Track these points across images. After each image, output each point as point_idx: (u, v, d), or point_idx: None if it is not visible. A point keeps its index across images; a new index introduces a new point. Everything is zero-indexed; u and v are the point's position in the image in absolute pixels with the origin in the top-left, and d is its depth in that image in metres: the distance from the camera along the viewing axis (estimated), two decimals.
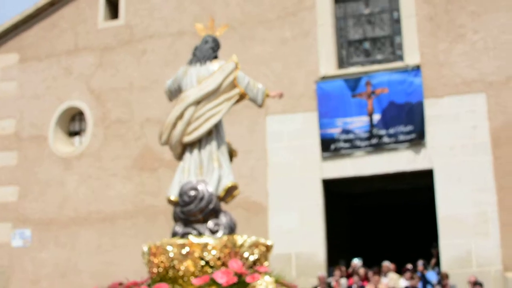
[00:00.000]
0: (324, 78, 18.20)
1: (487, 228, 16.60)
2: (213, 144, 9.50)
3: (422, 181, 18.23)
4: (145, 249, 9.06)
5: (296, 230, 17.79)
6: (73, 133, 21.24)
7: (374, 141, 17.55)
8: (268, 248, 9.09)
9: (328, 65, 18.34)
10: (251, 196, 18.19)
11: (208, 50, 9.92)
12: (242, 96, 9.72)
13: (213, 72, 9.61)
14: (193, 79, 9.72)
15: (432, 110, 17.40)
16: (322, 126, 17.95)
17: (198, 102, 9.45)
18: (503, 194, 16.73)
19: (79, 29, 21.11)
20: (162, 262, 8.70)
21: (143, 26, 20.38)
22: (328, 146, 17.82)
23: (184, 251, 8.57)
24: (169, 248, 8.65)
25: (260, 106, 10.09)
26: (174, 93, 10.07)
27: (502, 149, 16.93)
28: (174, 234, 9.12)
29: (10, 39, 21.91)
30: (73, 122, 21.24)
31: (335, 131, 17.81)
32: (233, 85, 9.58)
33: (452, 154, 17.13)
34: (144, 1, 20.51)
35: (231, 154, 9.99)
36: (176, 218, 9.22)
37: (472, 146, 17.07)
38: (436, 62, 17.63)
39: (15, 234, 20.60)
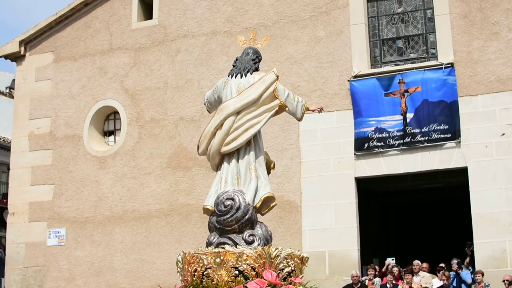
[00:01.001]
0: (357, 77, 18.19)
1: None
2: (251, 155, 9.40)
3: (456, 180, 18.19)
4: (179, 257, 9.04)
5: (330, 229, 17.81)
6: (107, 133, 21.43)
7: (407, 139, 17.50)
8: (303, 260, 9.05)
9: (361, 63, 18.33)
10: (285, 195, 18.24)
11: (249, 62, 9.84)
12: (281, 108, 9.59)
13: (254, 83, 9.50)
14: (233, 90, 9.64)
15: (466, 108, 17.31)
16: (355, 124, 17.94)
17: (237, 113, 9.36)
18: None
19: (113, 29, 21.29)
20: (196, 270, 8.66)
21: (177, 25, 20.50)
22: (362, 144, 17.82)
23: (218, 260, 8.52)
24: (203, 256, 8.61)
25: (300, 119, 9.97)
26: (214, 104, 10.04)
27: None
28: (209, 244, 9.06)
29: (45, 40, 22.18)
30: (107, 122, 21.44)
31: (368, 129, 17.80)
32: (273, 96, 9.44)
33: (487, 152, 17.03)
34: (177, 1, 20.64)
35: (269, 165, 9.95)
36: (212, 228, 9.18)
37: (506, 144, 16.95)
38: (470, 60, 17.55)
39: (51, 232, 20.84)
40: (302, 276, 8.91)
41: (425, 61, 18.16)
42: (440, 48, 17.94)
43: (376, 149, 17.73)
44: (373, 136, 17.73)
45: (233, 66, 9.97)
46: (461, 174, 17.41)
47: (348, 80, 18.25)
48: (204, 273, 8.58)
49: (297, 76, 18.73)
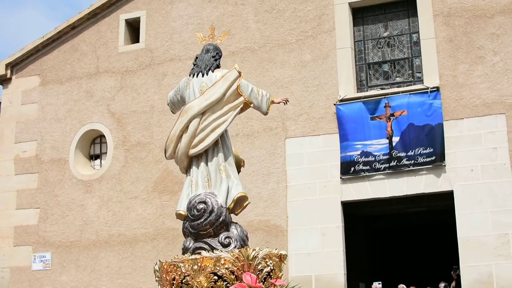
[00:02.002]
0: (343, 100, 18.21)
1: (508, 250, 16.46)
2: (220, 155, 9.29)
3: (442, 203, 18.17)
4: (156, 266, 8.92)
5: (316, 253, 17.74)
6: (93, 156, 21.35)
7: (393, 163, 17.50)
8: (282, 258, 8.93)
9: (347, 87, 18.36)
10: (271, 219, 18.19)
11: (210, 59, 9.68)
12: (247, 105, 9.49)
13: (216, 82, 9.39)
14: (196, 89, 9.48)
15: (452, 132, 17.34)
16: (341, 148, 17.94)
17: (202, 113, 9.22)
18: None
19: (100, 53, 21.28)
20: (174, 279, 8.55)
21: (163, 49, 20.51)
22: (348, 168, 17.80)
23: (196, 267, 8.40)
24: (181, 264, 8.49)
25: (266, 113, 9.83)
26: (177, 105, 9.87)
27: None
28: (185, 250, 8.94)
29: (31, 63, 22.15)
30: (93, 145, 21.36)
31: (354, 153, 17.79)
32: (237, 94, 9.36)
33: (472, 176, 17.04)
34: (164, 24, 20.66)
35: (239, 164, 9.81)
36: (186, 233, 9.03)
37: (492, 168, 16.96)
38: (456, 84, 17.60)
39: (36, 257, 20.69)
40: (282, 274, 8.83)
41: (411, 85, 18.22)
42: (425, 72, 18.00)
43: (362, 173, 17.71)
44: (359, 160, 17.72)
45: (194, 64, 9.77)
46: (447, 198, 17.40)
47: (334, 104, 18.26)
48: (183, 281, 8.47)
49: None
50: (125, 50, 21.05)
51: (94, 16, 21.53)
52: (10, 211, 21.27)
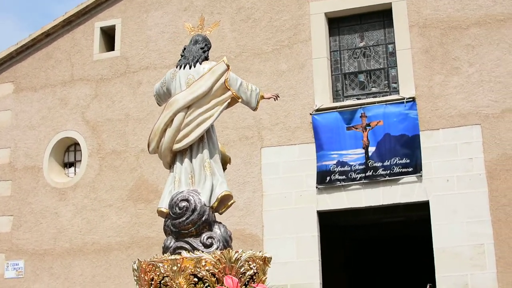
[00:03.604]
0: (319, 110, 18.24)
1: (484, 260, 16.54)
2: (205, 152, 9.04)
3: (418, 214, 18.22)
4: (135, 265, 8.68)
5: (292, 262, 17.72)
6: (68, 164, 21.20)
7: (369, 173, 17.54)
8: (266, 261, 8.68)
9: (323, 97, 18.38)
10: (247, 228, 18.17)
11: (198, 51, 9.44)
12: (234, 99, 9.27)
13: (203, 74, 9.13)
14: (182, 82, 9.23)
15: (428, 142, 17.42)
16: (317, 158, 17.94)
17: (188, 107, 8.99)
18: (499, 227, 16.71)
19: (74, 60, 21.14)
20: (153, 279, 8.31)
21: (139, 57, 20.44)
22: (324, 178, 17.81)
23: (175, 268, 8.15)
24: (160, 264, 8.24)
25: (255, 109, 9.64)
26: (163, 97, 9.63)
27: (498, 181, 16.93)
28: (165, 249, 8.69)
29: (5, 70, 21.93)
30: (68, 153, 21.20)
31: (330, 163, 17.81)
32: (224, 87, 9.14)
33: (448, 186, 17.12)
34: (139, 33, 20.58)
35: (225, 160, 9.61)
36: (167, 232, 8.77)
37: (468, 178, 17.05)
38: (432, 94, 17.70)
39: (8, 265, 20.48)
40: (266, 278, 8.59)
41: (387, 95, 18.28)
42: (401, 83, 18.07)
43: (338, 182, 17.72)
44: (335, 169, 17.74)
45: (181, 56, 9.52)
46: (422, 208, 17.45)
47: (310, 114, 18.28)
48: (162, 281, 8.23)
49: (259, 109, 18.28)
50: (100, 58, 20.94)
51: (69, 24, 21.39)
52: None
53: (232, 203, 9.15)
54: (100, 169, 20.14)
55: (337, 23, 19.14)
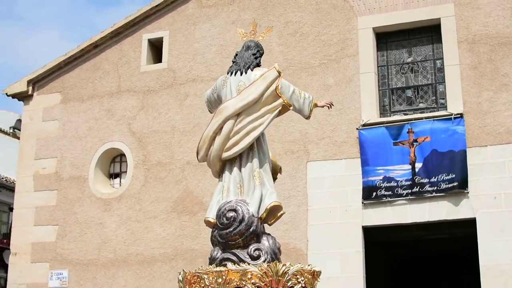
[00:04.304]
0: (366, 125, 18.15)
1: None
2: (255, 161, 8.82)
3: (462, 231, 18.03)
4: (180, 276, 8.52)
5: (336, 277, 17.59)
6: (113, 175, 21.32)
7: (416, 189, 17.40)
8: (315, 275, 8.45)
9: (370, 112, 18.31)
10: (291, 242, 18.10)
11: (250, 57, 9.22)
12: (285, 107, 9.02)
13: (254, 81, 8.91)
14: (233, 89, 9.03)
15: (475, 159, 17.25)
16: (363, 173, 17.85)
17: (237, 114, 8.79)
18: None
19: (122, 71, 21.31)
20: None
21: (186, 70, 20.52)
22: (370, 193, 17.71)
23: (220, 280, 7.97)
24: (205, 276, 8.08)
25: (308, 117, 9.34)
26: (214, 104, 9.46)
27: None
28: (212, 260, 8.54)
29: (53, 80, 22.17)
30: (113, 164, 21.34)
31: (376, 178, 17.70)
32: (275, 95, 8.90)
33: (496, 204, 16.93)
34: (187, 45, 20.68)
35: (276, 170, 9.41)
36: (214, 242, 8.63)
37: None
38: (480, 111, 17.53)
39: (53, 274, 20.63)
40: None
41: (434, 111, 18.15)
42: (449, 99, 17.92)
43: (384, 198, 17.61)
44: (381, 185, 17.63)
45: (233, 62, 9.33)
46: (468, 225, 17.28)
47: (357, 129, 18.21)
48: None
49: (306, 123, 18.64)
50: (147, 69, 21.07)
51: (117, 35, 21.57)
52: (28, 227, 21.24)
53: (282, 214, 8.97)
54: (145, 181, 20.23)
55: (385, 38, 19.07)
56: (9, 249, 22.39)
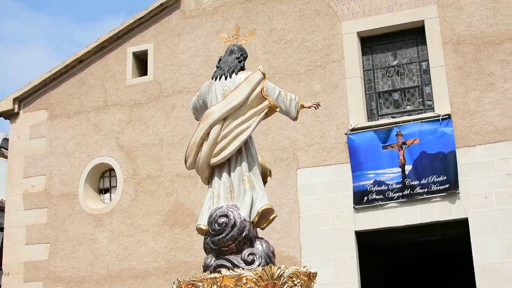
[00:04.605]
0: (354, 130, 18.15)
1: None
2: (244, 165, 8.80)
3: (455, 231, 18.07)
4: (174, 286, 8.49)
5: (330, 283, 17.54)
6: (103, 190, 21.23)
7: (406, 192, 17.41)
8: (311, 276, 8.44)
9: (358, 117, 18.30)
10: (285, 250, 18.05)
11: (234, 61, 9.24)
12: (272, 109, 8.98)
13: (239, 84, 8.89)
14: (218, 93, 9.03)
15: (465, 159, 17.27)
16: (354, 178, 17.84)
17: (224, 119, 8.79)
18: None
19: (107, 86, 21.24)
20: None
21: (172, 81, 20.48)
22: (361, 198, 17.69)
23: (215, 286, 7.94)
24: (199, 284, 8.05)
25: (294, 119, 9.33)
26: (200, 110, 9.48)
27: None
28: (206, 267, 8.47)
29: (39, 97, 22.07)
30: (103, 179, 21.25)
31: (367, 182, 17.69)
32: (261, 97, 8.87)
33: (487, 203, 16.94)
34: (172, 57, 20.64)
35: (265, 173, 9.37)
36: (207, 249, 8.57)
37: (506, 194, 16.87)
38: (467, 111, 17.56)
39: None
40: None
41: (422, 113, 18.16)
42: (436, 100, 17.95)
43: (376, 202, 17.60)
44: (372, 189, 17.63)
45: (217, 67, 9.32)
46: (460, 226, 17.30)
47: (346, 134, 18.20)
48: None
49: (294, 130, 18.67)
50: (133, 83, 21.01)
51: (101, 50, 21.51)
52: (19, 246, 21.11)
53: (274, 217, 8.88)
54: (135, 195, 20.15)
55: (370, 42, 19.08)
56: (1, 269, 22.24)
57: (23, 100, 22.19)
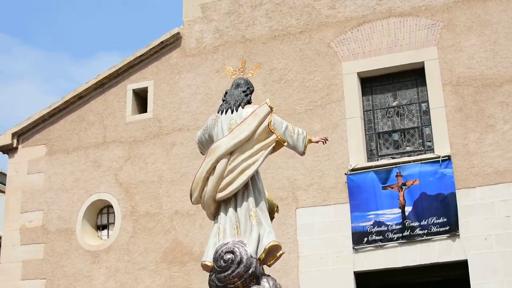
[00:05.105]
0: (354, 170, 18.16)
1: None
2: (251, 200, 8.64)
3: (456, 273, 17.99)
4: None
5: None
6: (101, 227, 21.16)
7: (406, 233, 17.40)
8: None
9: (358, 157, 18.33)
10: None
11: (240, 95, 9.17)
12: (279, 143, 8.90)
13: (246, 118, 8.81)
14: (224, 127, 8.93)
15: (465, 201, 17.28)
16: (353, 219, 17.83)
17: (230, 153, 8.66)
18: None
19: (107, 122, 21.25)
20: None
21: (172, 119, 20.50)
22: (360, 238, 17.67)
23: None
24: None
25: (302, 154, 9.26)
26: (205, 144, 9.35)
27: None
28: None
29: (38, 132, 22.05)
30: (101, 215, 21.19)
31: (367, 224, 17.68)
32: (268, 131, 8.79)
33: (487, 245, 16.94)
34: (172, 94, 20.69)
35: (272, 209, 9.22)
36: (213, 286, 8.43)
37: (506, 236, 16.87)
38: (467, 152, 17.61)
39: None
40: None
41: (422, 154, 18.20)
42: (436, 141, 18.00)
43: (375, 243, 17.58)
44: (372, 230, 17.61)
45: (223, 100, 9.23)
46: (460, 267, 17.26)
47: (345, 174, 18.21)
48: None
49: (294, 170, 18.69)
50: (133, 120, 21.02)
51: (101, 86, 21.55)
52: (15, 282, 20.98)
53: (282, 254, 8.77)
54: (133, 232, 20.09)
55: (370, 83, 19.17)
56: None
57: (22, 135, 22.18)
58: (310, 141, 9.32)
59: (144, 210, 20.13)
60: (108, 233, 20.90)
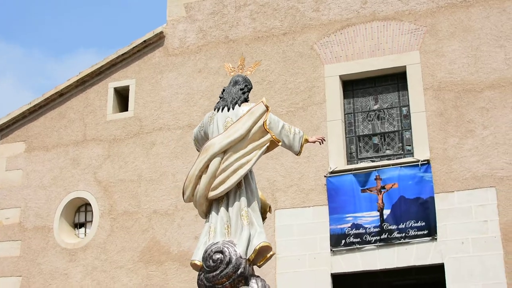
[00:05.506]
0: (333, 172, 18.18)
1: None
2: (243, 199, 8.57)
3: (430, 276, 18.02)
4: None
5: None
6: (78, 225, 21.04)
7: (384, 236, 17.43)
8: None
9: (337, 160, 18.35)
10: None
11: (238, 92, 9.08)
12: (274, 143, 8.82)
13: (241, 117, 8.74)
14: (220, 125, 8.84)
15: (443, 205, 17.34)
16: (332, 221, 17.84)
17: (224, 152, 8.58)
18: None
19: (87, 120, 21.16)
20: None
21: (152, 118, 20.45)
22: (338, 241, 17.68)
23: None
24: None
25: (298, 153, 9.14)
26: (201, 141, 9.24)
27: None
28: None
29: (17, 129, 21.93)
30: (78, 213, 21.07)
31: (345, 226, 17.70)
32: (263, 130, 8.74)
33: (463, 249, 16.99)
34: (153, 93, 20.64)
35: (265, 209, 9.16)
36: (201, 286, 8.36)
37: (483, 240, 16.94)
38: (446, 157, 17.68)
39: None
40: None
41: (401, 157, 18.27)
42: (416, 145, 18.06)
43: (353, 245, 17.59)
44: (350, 232, 17.62)
45: (220, 98, 9.14)
46: (436, 271, 17.30)
47: (325, 176, 18.22)
48: None
49: (274, 171, 18.68)
50: (113, 118, 20.95)
51: (82, 84, 21.47)
52: None
53: (272, 255, 8.71)
54: (111, 230, 19.99)
55: (352, 86, 19.22)
56: None
57: (1, 131, 22.04)
58: (306, 140, 9.23)
59: (122, 209, 20.04)
60: (85, 231, 20.78)
